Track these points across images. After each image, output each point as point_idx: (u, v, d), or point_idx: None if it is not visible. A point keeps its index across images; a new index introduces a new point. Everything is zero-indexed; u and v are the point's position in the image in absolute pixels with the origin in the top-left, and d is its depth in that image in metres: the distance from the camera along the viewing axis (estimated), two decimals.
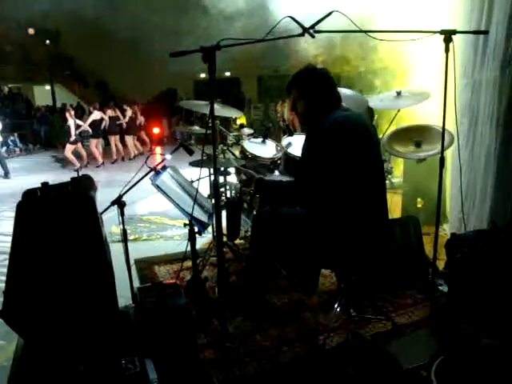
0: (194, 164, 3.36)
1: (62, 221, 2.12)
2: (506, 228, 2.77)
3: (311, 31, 2.34)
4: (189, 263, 3.38)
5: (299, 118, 2.56)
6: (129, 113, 12.53)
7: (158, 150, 13.96)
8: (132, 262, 3.43)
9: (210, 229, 3.64)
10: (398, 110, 3.68)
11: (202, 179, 3.09)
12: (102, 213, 2.65)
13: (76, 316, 2.13)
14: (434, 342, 2.60)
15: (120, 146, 12.19)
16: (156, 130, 14.38)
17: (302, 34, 2.35)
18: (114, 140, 12.02)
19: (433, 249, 2.83)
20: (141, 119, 13.38)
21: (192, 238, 2.87)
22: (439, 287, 3.01)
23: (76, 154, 10.91)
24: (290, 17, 2.33)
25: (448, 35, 2.55)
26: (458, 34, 2.54)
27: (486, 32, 2.98)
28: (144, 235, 4.99)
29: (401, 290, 3.16)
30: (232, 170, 3.71)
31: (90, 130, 10.99)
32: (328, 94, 2.46)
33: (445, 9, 3.85)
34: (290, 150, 3.37)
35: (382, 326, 2.74)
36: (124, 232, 2.82)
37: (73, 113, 10.83)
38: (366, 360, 1.80)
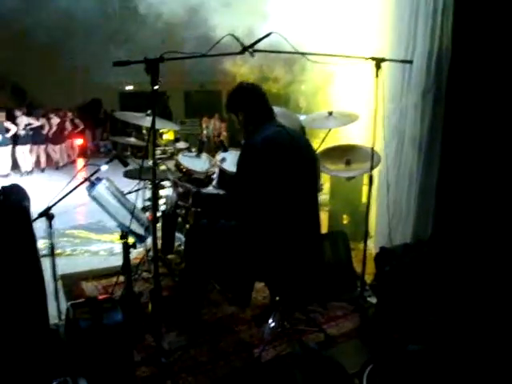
0: (128, 175, 3.28)
1: None
2: (428, 242, 2.98)
3: (250, 50, 2.41)
4: (117, 278, 3.27)
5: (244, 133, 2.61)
6: (55, 121, 11.95)
7: (81, 161, 13.40)
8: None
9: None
10: (329, 130, 3.83)
11: (137, 191, 3.02)
12: None
13: (5, 335, 1.99)
14: (364, 350, 2.71)
15: (44, 156, 11.60)
16: (79, 141, 13.78)
17: (241, 52, 2.42)
18: (38, 150, 11.41)
19: (359, 263, 2.97)
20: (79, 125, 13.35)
21: (127, 252, 2.79)
22: (367, 299, 3.16)
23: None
24: (232, 35, 2.39)
25: (378, 62, 2.75)
26: (387, 62, 2.75)
27: (410, 62, 3.22)
28: (67, 250, 4.74)
29: (331, 302, 3.26)
30: (166, 183, 3.66)
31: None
32: (260, 107, 2.53)
33: (376, 37, 4.09)
34: (225, 166, 3.40)
35: (315, 338, 2.82)
36: (52, 246, 2.71)
37: None
38: (314, 368, 1.85)
